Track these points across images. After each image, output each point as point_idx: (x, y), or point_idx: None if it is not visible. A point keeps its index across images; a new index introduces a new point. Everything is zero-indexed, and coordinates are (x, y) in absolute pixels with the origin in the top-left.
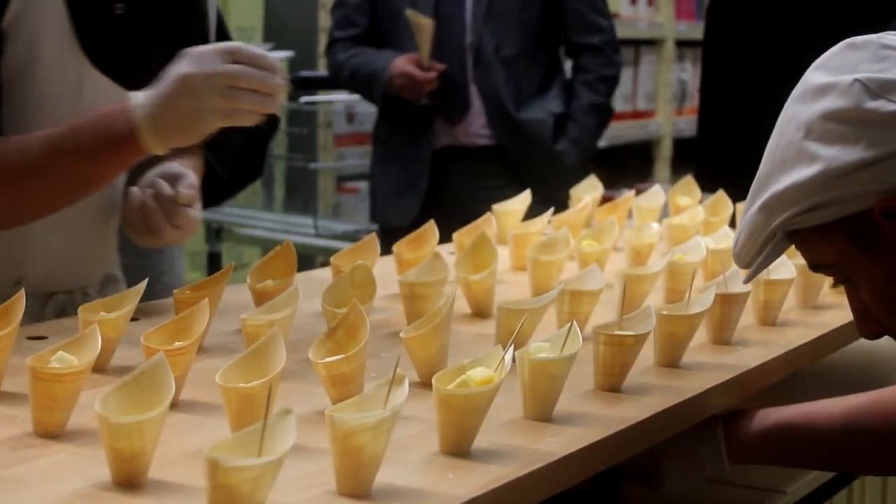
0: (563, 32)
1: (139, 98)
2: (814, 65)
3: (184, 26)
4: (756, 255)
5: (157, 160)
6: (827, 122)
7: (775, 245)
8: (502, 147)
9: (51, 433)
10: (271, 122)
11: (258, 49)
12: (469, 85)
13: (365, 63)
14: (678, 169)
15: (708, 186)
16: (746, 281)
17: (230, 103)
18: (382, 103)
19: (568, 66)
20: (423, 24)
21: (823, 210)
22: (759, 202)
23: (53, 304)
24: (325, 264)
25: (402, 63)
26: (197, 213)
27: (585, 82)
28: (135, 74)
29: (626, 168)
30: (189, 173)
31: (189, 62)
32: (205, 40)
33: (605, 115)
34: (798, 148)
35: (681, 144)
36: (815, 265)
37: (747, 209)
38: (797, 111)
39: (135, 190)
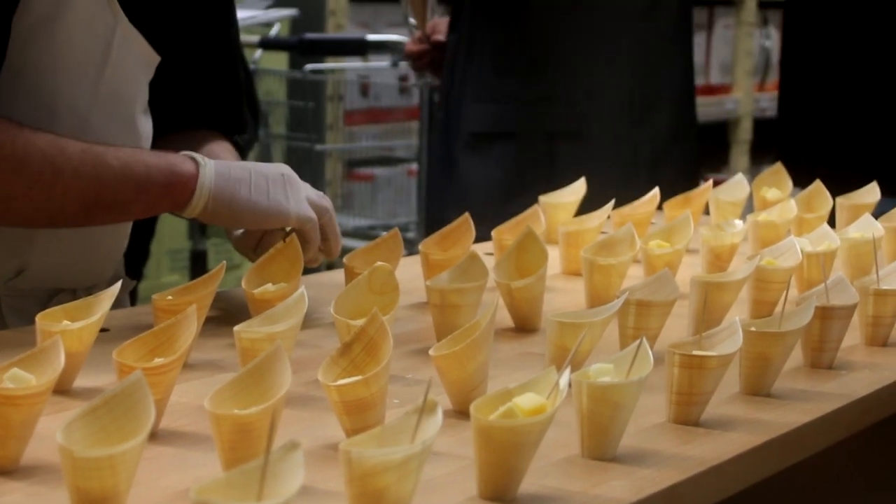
0: None
1: (206, 158)
2: None
3: None
4: None
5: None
6: None
7: None
8: None
9: (1, 469)
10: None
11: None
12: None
13: None
14: (760, 156)
15: (792, 177)
16: None
17: (310, 219)
18: None
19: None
20: None
21: None
22: None
23: (57, 305)
24: (331, 267)
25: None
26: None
27: None
28: (167, 36)
29: None
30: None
31: (289, 170)
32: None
33: None
34: None
35: (763, 126)
36: None
37: None
38: None
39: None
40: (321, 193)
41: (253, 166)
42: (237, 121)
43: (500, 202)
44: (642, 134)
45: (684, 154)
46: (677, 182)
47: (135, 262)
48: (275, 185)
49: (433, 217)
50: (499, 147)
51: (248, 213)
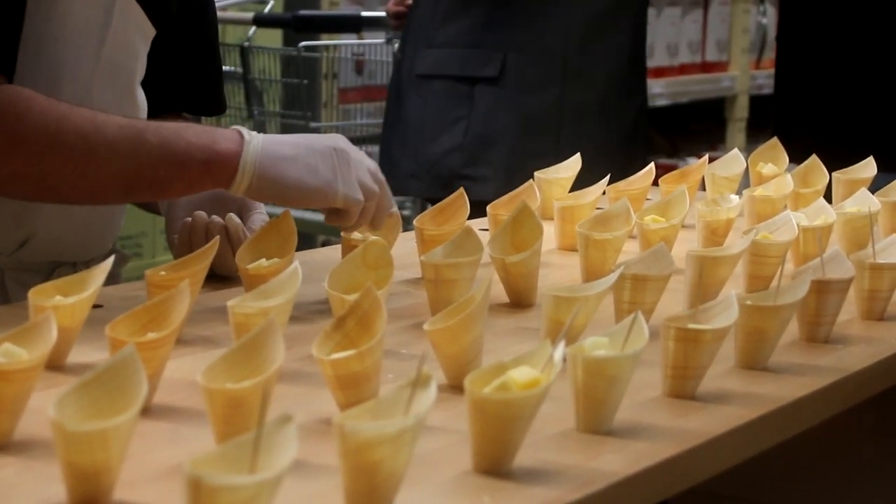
0: None
1: (254, 134)
2: None
3: None
4: None
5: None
6: None
7: None
8: None
9: None
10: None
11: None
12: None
13: None
14: (756, 133)
15: (788, 152)
16: None
17: (356, 202)
18: None
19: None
20: None
21: None
22: None
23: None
24: (326, 244)
25: None
26: None
27: None
28: (160, 10)
29: (692, 132)
30: (258, 204)
31: (345, 142)
32: None
33: None
34: None
35: (759, 103)
36: None
37: None
38: None
39: (199, 215)
40: (376, 169)
41: (305, 141)
42: (217, 102)
43: (430, 139)
44: (572, 92)
45: (616, 132)
46: (604, 158)
47: None
48: (325, 162)
49: (385, 154)
50: (434, 88)
51: (295, 192)
